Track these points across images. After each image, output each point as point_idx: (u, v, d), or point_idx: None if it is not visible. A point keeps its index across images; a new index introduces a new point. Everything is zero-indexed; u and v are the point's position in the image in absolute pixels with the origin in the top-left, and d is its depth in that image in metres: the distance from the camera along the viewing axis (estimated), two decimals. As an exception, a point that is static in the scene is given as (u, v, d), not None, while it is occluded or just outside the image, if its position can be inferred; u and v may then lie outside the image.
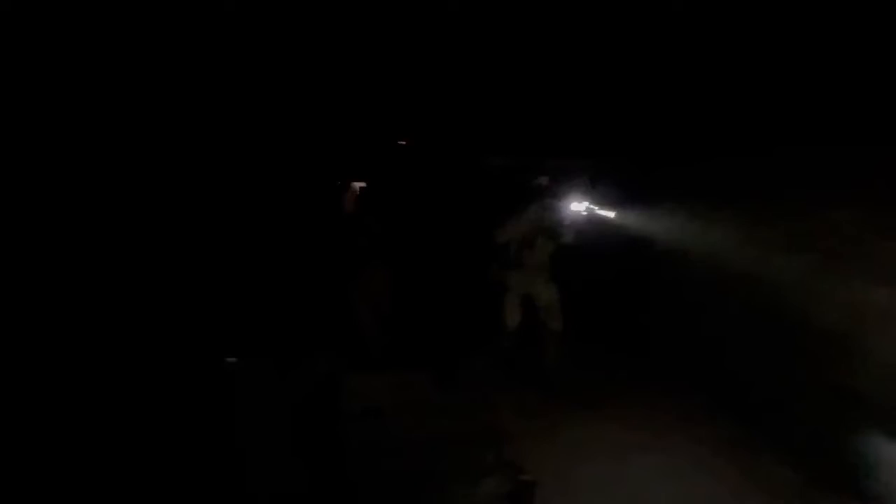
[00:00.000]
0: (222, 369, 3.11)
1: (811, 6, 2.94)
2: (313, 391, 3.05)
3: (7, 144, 3.51)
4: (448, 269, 5.04)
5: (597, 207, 4.05)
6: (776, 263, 3.12)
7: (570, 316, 4.14)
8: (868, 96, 2.78)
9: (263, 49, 4.05)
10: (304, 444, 2.73)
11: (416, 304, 4.74)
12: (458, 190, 5.19)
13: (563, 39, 4.06)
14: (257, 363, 3.18)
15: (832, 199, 2.98)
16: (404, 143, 5.12)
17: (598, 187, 4.13)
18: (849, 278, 2.71)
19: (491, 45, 4.14)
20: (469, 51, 4.16)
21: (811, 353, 2.99)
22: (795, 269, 3.02)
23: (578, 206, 4.08)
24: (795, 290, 2.97)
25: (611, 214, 4.00)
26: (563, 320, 4.09)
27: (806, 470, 2.86)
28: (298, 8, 3.76)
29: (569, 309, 4.13)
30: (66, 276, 3.54)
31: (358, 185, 4.11)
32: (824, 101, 2.98)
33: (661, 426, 3.43)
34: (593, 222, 4.06)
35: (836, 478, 2.73)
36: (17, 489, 2.42)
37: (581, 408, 3.74)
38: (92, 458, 2.61)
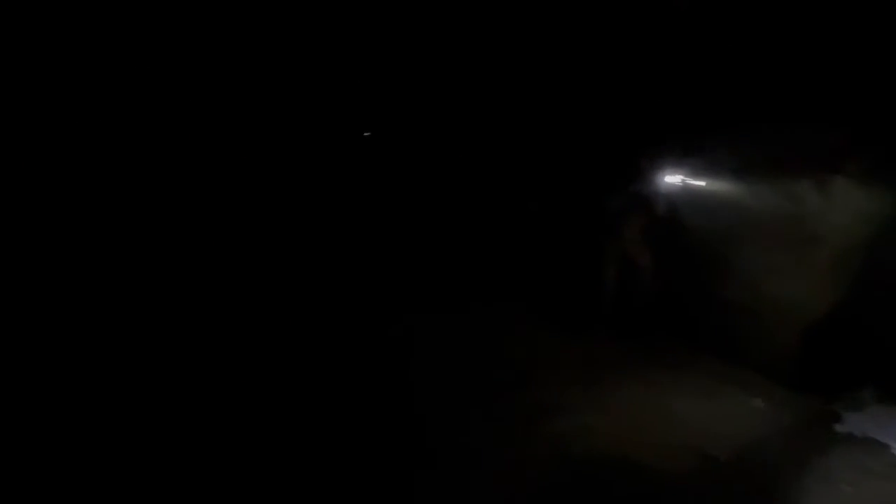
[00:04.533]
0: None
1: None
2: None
3: (7, 144, 3.64)
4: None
5: (691, 178, 4.40)
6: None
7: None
8: None
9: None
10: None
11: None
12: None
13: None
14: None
15: None
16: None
17: (698, 157, 4.44)
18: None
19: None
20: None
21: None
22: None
23: (672, 178, 4.49)
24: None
25: (702, 184, 4.32)
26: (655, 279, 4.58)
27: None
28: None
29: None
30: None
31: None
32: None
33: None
34: (688, 193, 4.43)
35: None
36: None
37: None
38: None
